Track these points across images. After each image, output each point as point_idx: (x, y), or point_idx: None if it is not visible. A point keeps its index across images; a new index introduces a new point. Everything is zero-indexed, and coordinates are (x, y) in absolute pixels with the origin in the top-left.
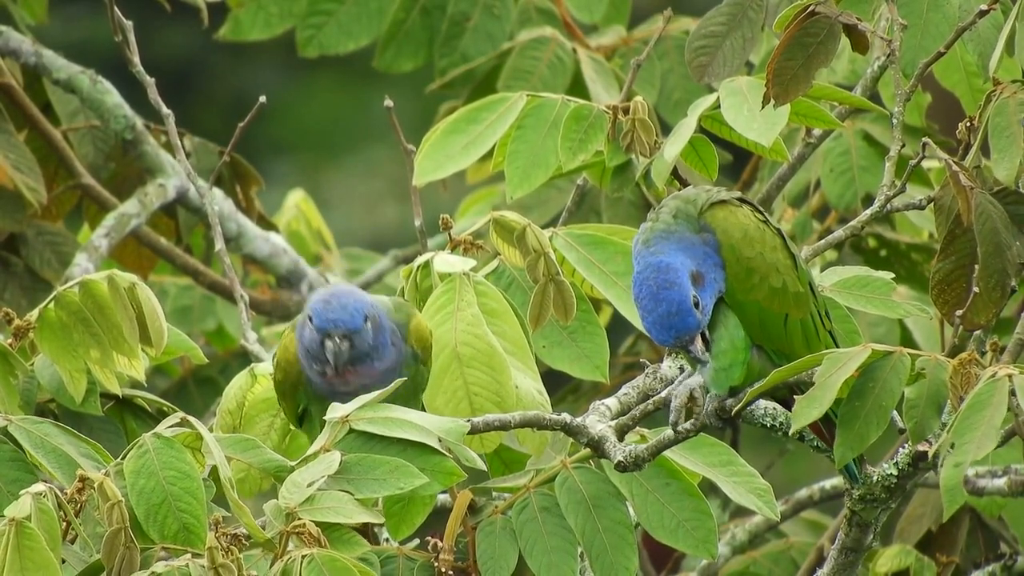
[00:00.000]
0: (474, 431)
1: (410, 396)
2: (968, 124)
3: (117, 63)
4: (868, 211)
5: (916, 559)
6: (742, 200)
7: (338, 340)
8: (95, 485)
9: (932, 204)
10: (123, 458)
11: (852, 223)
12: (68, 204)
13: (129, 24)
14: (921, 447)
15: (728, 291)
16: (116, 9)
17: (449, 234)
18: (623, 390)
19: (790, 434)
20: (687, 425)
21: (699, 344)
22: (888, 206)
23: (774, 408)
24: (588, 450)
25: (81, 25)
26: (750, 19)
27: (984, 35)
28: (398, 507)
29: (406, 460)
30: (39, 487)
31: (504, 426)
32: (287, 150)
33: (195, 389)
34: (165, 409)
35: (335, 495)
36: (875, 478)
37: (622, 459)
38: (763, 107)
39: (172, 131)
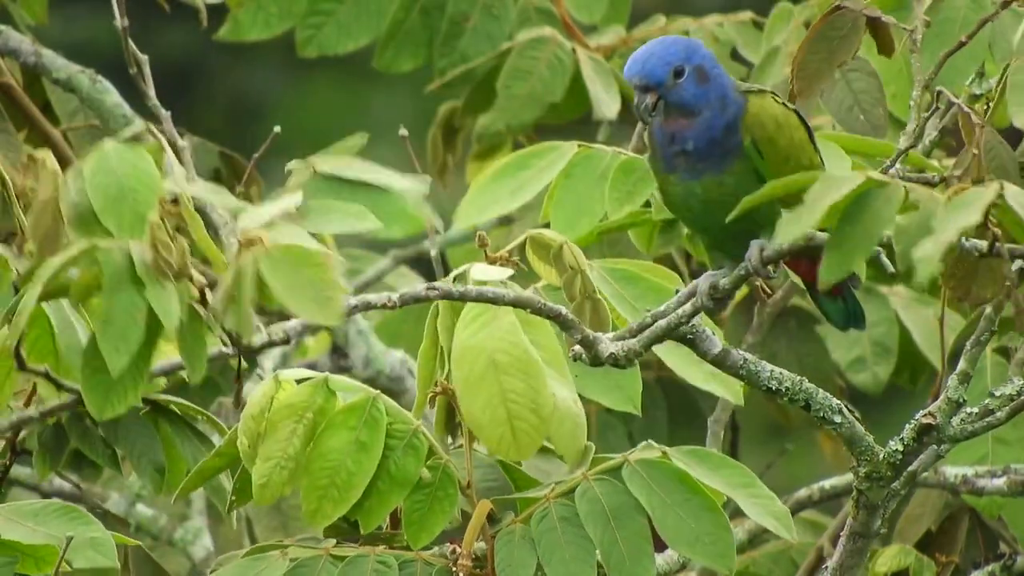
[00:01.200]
0: (464, 298)
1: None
2: (987, 104)
3: (116, 63)
4: (879, 171)
5: (916, 559)
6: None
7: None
8: (39, 161)
9: (944, 183)
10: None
11: None
12: None
13: (144, 58)
14: (925, 419)
15: (771, 180)
16: (131, 43)
17: (485, 251)
18: (625, 328)
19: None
20: (686, 308)
21: (649, 100)
22: (899, 172)
23: (780, 373)
24: (611, 463)
25: (81, 25)
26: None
27: (1004, 27)
28: (417, 515)
29: (368, 204)
30: None
31: (497, 299)
32: (287, 150)
33: (196, 389)
34: (193, 413)
35: (292, 227)
36: (881, 455)
37: (614, 351)
38: (791, 102)
39: (188, 164)
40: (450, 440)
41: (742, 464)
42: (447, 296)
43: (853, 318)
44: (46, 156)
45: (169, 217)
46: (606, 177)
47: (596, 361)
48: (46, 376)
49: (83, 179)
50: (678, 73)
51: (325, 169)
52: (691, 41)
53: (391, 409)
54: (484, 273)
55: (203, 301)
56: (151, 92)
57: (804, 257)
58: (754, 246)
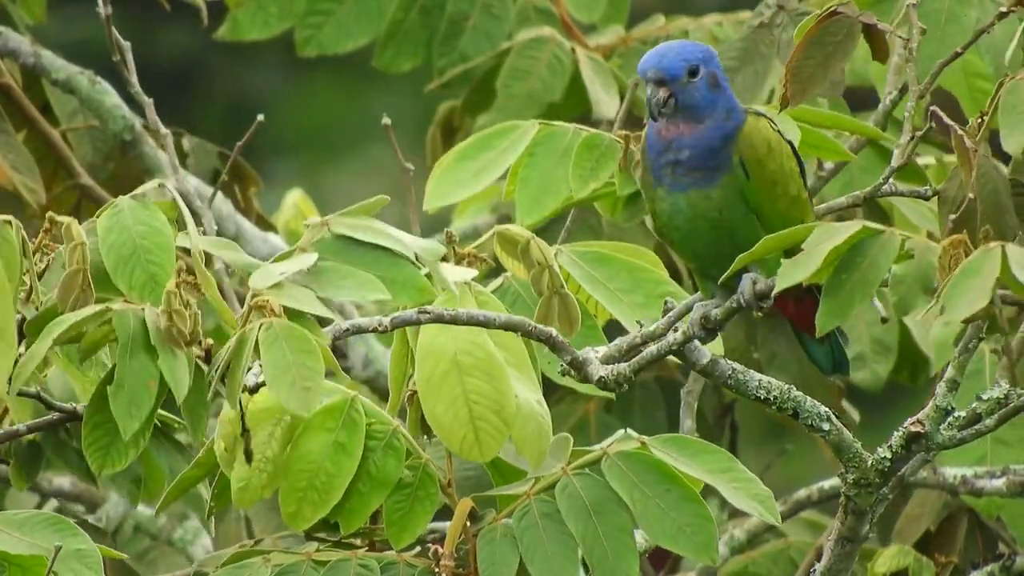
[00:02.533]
0: (455, 321)
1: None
2: (979, 120)
3: (115, 64)
4: (872, 186)
5: (915, 559)
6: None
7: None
8: (62, 228)
9: (936, 196)
10: (96, 217)
11: (855, 193)
12: (67, 204)
13: (127, 44)
14: (913, 427)
15: (755, 203)
16: (115, 30)
17: (453, 248)
18: (615, 342)
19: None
20: (677, 336)
21: (662, 95)
22: (893, 187)
23: (768, 382)
24: (589, 456)
25: (80, 26)
26: (762, 54)
27: (998, 43)
28: (398, 515)
29: (380, 270)
30: (7, 218)
31: (488, 323)
32: (286, 150)
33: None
34: (171, 423)
35: (301, 289)
36: (869, 462)
37: (603, 375)
38: (780, 110)
39: (171, 151)
40: (425, 437)
41: (721, 448)
42: (438, 320)
43: (838, 364)
44: (71, 223)
45: (185, 285)
46: (569, 155)
47: (585, 381)
48: (38, 398)
49: (96, 237)
50: (692, 72)
51: (340, 230)
52: (709, 48)
53: (370, 410)
54: (448, 274)
55: (207, 359)
56: (134, 79)
57: (791, 296)
58: (747, 280)
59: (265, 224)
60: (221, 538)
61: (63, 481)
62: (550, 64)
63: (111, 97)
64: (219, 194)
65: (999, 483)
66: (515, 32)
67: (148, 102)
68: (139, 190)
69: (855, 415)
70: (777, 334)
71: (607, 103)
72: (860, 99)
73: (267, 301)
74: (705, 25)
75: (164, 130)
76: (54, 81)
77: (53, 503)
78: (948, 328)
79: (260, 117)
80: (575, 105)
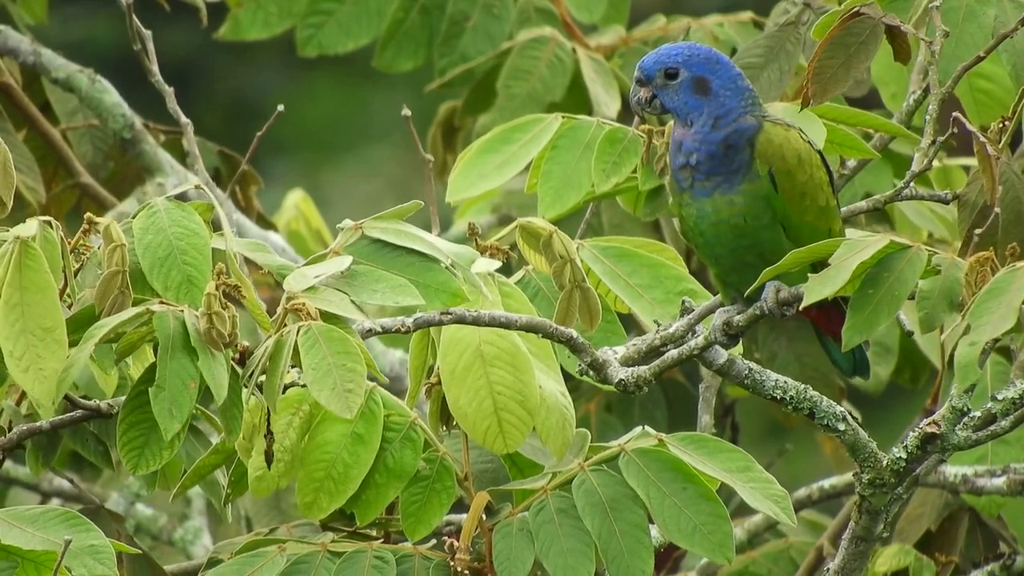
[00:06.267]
0: (477, 322)
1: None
2: (1001, 123)
3: (116, 62)
4: (894, 191)
5: (915, 559)
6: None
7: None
8: (100, 229)
9: (957, 200)
10: (133, 218)
11: (876, 197)
12: (67, 203)
13: (148, 33)
14: (929, 428)
15: (782, 214)
16: (135, 19)
17: (476, 240)
18: (632, 341)
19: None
20: (698, 340)
21: (642, 94)
22: (914, 191)
23: (784, 382)
24: (607, 453)
25: (80, 25)
26: (787, 52)
27: (1019, 46)
28: (415, 507)
29: (413, 274)
30: (47, 219)
31: (510, 324)
32: (287, 150)
33: None
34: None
35: (335, 292)
36: (884, 462)
37: (623, 378)
38: (801, 109)
39: (191, 140)
40: (444, 429)
41: (739, 448)
42: (460, 320)
43: (859, 368)
44: (111, 224)
45: (224, 288)
46: (592, 148)
47: (605, 382)
48: (65, 397)
49: (132, 237)
50: (670, 75)
51: (374, 233)
52: (707, 52)
53: (388, 401)
54: (481, 265)
55: (241, 361)
56: (155, 67)
57: (814, 303)
58: (770, 287)
59: (266, 223)
60: (221, 538)
61: (64, 481)
62: (551, 64)
63: (111, 96)
64: (220, 193)
65: (1000, 482)
66: (516, 32)
67: (169, 91)
68: (173, 193)
69: (856, 415)
70: (778, 334)
71: (608, 103)
72: (857, 98)
73: (303, 304)
74: (706, 25)
75: (185, 119)
76: (54, 80)
77: (55, 502)
78: (973, 348)
79: (280, 108)
80: (576, 105)
